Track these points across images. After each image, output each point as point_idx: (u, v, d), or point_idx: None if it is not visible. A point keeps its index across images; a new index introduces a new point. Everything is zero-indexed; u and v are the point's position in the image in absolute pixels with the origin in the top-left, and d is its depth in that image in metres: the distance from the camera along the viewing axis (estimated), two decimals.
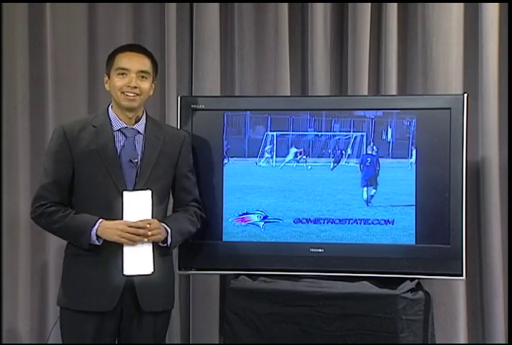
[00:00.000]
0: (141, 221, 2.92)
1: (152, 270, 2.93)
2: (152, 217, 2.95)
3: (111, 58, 3.07)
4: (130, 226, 2.90)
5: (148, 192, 2.94)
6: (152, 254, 2.94)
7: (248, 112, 3.37)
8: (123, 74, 3.00)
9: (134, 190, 2.96)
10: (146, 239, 2.91)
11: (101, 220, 2.94)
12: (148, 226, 2.91)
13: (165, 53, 3.95)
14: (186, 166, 3.15)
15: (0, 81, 3.93)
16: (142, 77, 3.02)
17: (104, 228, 2.93)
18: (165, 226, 2.99)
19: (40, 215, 3.01)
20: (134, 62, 3.01)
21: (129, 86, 2.99)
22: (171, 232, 2.99)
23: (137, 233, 2.89)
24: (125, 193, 2.93)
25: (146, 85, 3.03)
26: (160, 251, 3.00)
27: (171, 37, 3.95)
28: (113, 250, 2.94)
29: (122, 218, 2.92)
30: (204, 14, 3.92)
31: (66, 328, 3.06)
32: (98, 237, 2.94)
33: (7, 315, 3.96)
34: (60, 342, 3.14)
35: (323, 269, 3.29)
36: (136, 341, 3.02)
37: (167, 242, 3.00)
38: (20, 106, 3.99)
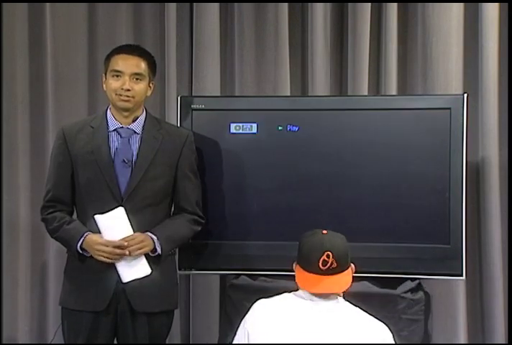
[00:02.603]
0: (123, 239, 2.90)
1: (150, 270, 2.93)
2: (135, 230, 2.94)
3: (107, 59, 3.08)
4: (107, 246, 2.91)
5: (120, 210, 2.92)
6: (143, 255, 2.94)
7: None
8: (117, 76, 3.01)
9: (105, 211, 2.92)
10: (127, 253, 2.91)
11: (86, 233, 2.96)
12: (126, 243, 2.89)
13: (165, 53, 3.95)
14: (188, 166, 3.12)
15: (0, 81, 3.94)
16: (137, 79, 3.02)
17: (86, 244, 2.95)
18: (151, 235, 2.98)
19: (44, 221, 3.09)
20: (128, 65, 3.01)
21: (122, 89, 2.99)
22: (158, 241, 2.98)
23: (114, 253, 2.90)
24: (96, 217, 2.92)
25: (140, 87, 3.02)
26: (154, 258, 3.00)
27: (171, 37, 3.95)
28: None
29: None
30: (204, 14, 3.92)
31: (65, 327, 3.08)
32: (84, 249, 2.97)
33: (7, 315, 3.96)
34: (63, 342, 3.15)
35: None
36: (131, 340, 3.03)
37: (157, 251, 3.00)
38: (20, 106, 3.99)
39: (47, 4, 3.96)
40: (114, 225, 2.93)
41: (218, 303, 3.86)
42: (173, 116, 3.59)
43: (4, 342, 3.90)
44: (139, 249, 2.92)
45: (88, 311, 2.99)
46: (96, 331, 3.00)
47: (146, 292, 2.99)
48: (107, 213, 2.92)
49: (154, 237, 2.98)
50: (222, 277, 3.55)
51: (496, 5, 3.80)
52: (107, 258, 2.91)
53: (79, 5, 4.01)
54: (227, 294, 3.31)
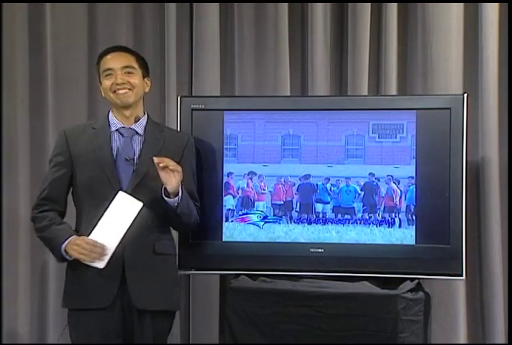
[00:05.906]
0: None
1: (103, 266, 2.92)
2: (130, 228, 2.92)
3: (98, 64, 3.11)
4: (88, 243, 2.91)
5: (139, 204, 2.92)
6: (113, 251, 2.92)
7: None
8: (110, 75, 3.04)
9: (131, 195, 2.93)
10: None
11: (72, 237, 2.95)
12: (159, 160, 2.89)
13: (165, 53, 3.96)
14: (188, 167, 3.12)
15: (0, 81, 3.94)
16: (129, 73, 3.04)
17: (69, 245, 2.94)
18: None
19: (33, 219, 3.07)
20: (117, 61, 3.05)
21: (117, 84, 3.02)
22: (181, 188, 2.96)
23: (94, 251, 2.90)
24: (120, 193, 2.93)
25: (134, 79, 3.05)
26: (157, 256, 3.02)
27: (171, 37, 3.95)
28: None
29: (102, 215, 2.92)
30: (204, 14, 3.92)
31: (73, 329, 3.05)
32: (67, 253, 2.96)
33: (7, 315, 3.96)
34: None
35: (323, 269, 3.29)
36: (138, 339, 3.02)
37: (178, 195, 2.96)
38: (20, 106, 3.99)
39: (47, 4, 3.96)
40: (124, 210, 2.91)
41: (218, 303, 3.86)
42: (173, 115, 3.59)
43: (4, 342, 3.90)
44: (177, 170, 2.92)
45: (95, 309, 2.98)
46: (105, 329, 2.98)
47: (147, 289, 2.99)
48: (131, 197, 2.92)
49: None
50: (222, 277, 3.55)
51: (496, 5, 3.79)
52: (84, 255, 2.90)
53: (79, 5, 4.02)
54: (227, 294, 3.31)
